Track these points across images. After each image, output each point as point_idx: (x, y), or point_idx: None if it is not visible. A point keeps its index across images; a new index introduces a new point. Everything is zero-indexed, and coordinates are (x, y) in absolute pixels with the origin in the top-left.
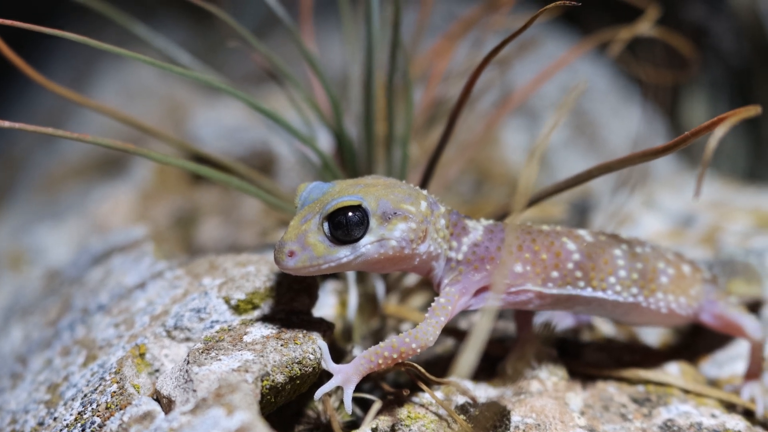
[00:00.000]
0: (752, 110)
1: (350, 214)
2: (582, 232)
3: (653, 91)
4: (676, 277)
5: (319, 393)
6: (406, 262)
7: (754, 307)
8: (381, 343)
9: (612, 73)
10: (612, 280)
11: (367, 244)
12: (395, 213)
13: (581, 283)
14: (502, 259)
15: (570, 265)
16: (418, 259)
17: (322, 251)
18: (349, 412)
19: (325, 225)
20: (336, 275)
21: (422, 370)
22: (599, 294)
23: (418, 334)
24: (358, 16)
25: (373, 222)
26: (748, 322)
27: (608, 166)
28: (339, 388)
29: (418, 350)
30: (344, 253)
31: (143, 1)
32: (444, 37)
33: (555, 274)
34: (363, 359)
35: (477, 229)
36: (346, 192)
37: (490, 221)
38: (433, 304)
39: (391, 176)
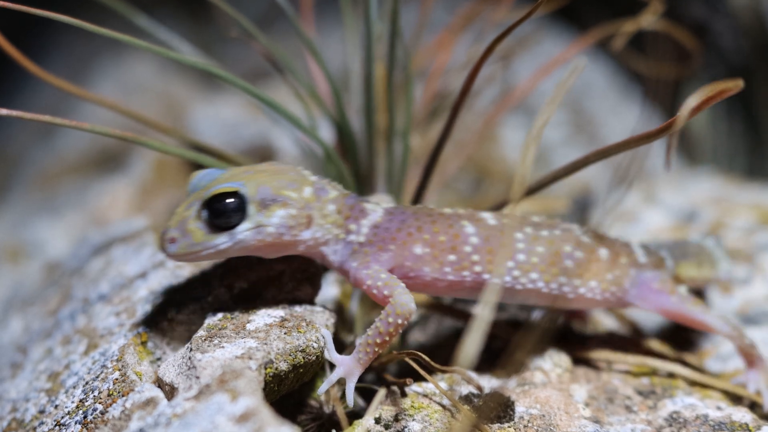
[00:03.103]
0: (732, 84)
1: (227, 200)
2: (487, 215)
3: (654, 87)
4: (584, 261)
5: (324, 388)
6: (289, 248)
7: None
8: (368, 332)
9: (611, 71)
10: (510, 264)
11: (244, 231)
12: (274, 199)
13: (478, 268)
14: (403, 240)
15: (467, 249)
16: (303, 246)
17: (201, 238)
18: (351, 405)
19: (204, 212)
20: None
21: (426, 358)
22: (496, 280)
23: (396, 308)
24: (358, 9)
25: (251, 209)
26: (711, 320)
27: (605, 152)
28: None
29: (405, 322)
30: (222, 240)
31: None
32: (445, 30)
33: (452, 257)
34: (361, 352)
35: (376, 211)
36: (230, 179)
37: (392, 204)
38: (378, 283)
39: (392, 168)
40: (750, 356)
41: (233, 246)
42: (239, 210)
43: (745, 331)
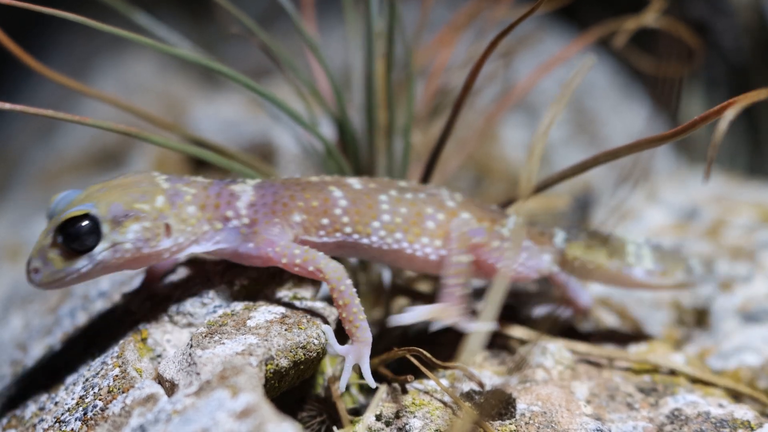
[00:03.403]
0: (763, 93)
1: (80, 224)
2: (352, 180)
3: (656, 86)
4: (446, 222)
5: (343, 383)
6: (153, 259)
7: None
8: (337, 311)
9: (612, 70)
10: (376, 224)
11: (102, 252)
12: (127, 215)
13: (348, 229)
14: (282, 211)
15: (337, 211)
16: (167, 253)
17: (61, 264)
18: (373, 385)
19: (59, 238)
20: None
21: (428, 354)
22: (365, 240)
23: (334, 278)
24: (360, 6)
25: (105, 228)
26: (449, 279)
27: (615, 153)
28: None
29: (349, 280)
30: (83, 263)
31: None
32: (446, 28)
33: (325, 221)
34: (353, 333)
35: (246, 190)
36: (84, 200)
37: (255, 180)
38: (296, 260)
39: (393, 165)
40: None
41: (95, 268)
42: (93, 232)
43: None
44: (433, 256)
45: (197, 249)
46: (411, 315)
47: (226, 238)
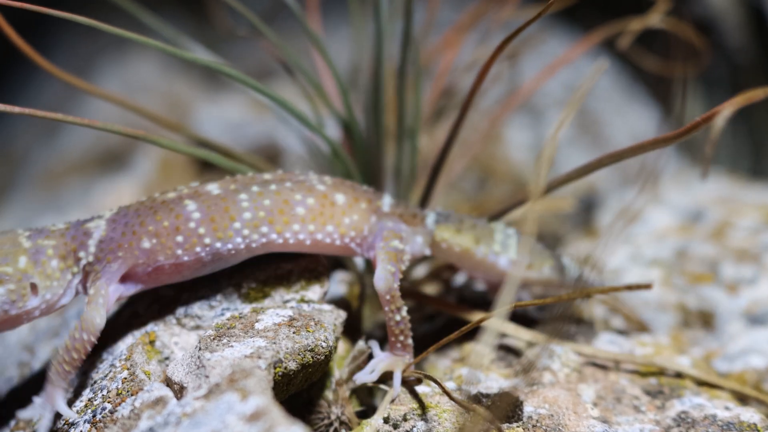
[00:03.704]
0: (760, 93)
1: None
2: (211, 186)
3: (660, 86)
4: (318, 206)
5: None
6: (24, 318)
7: None
8: (59, 349)
9: (616, 72)
10: (237, 225)
11: None
12: None
13: (207, 239)
14: (129, 241)
15: (192, 225)
16: (37, 311)
17: None
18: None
19: None
20: (345, 266)
21: (442, 384)
22: (229, 245)
23: (83, 323)
24: (365, 6)
25: None
26: (379, 269)
27: (619, 155)
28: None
29: (92, 338)
30: None
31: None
32: (452, 29)
33: (180, 238)
34: (52, 373)
35: (99, 226)
36: None
37: (115, 209)
38: (87, 298)
39: (400, 166)
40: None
41: None
42: None
43: (402, 306)
44: (308, 241)
45: (66, 300)
46: (371, 376)
47: (82, 280)
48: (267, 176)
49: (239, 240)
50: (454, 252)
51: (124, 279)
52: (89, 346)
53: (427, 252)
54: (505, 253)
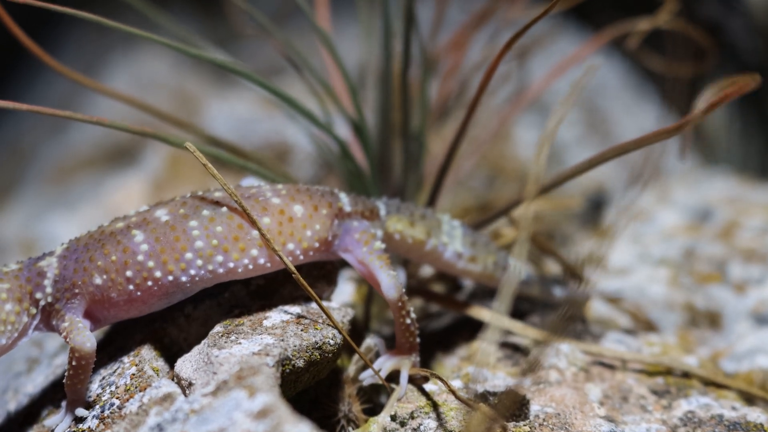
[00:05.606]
0: (749, 79)
1: None
2: (160, 212)
3: (669, 86)
4: (276, 225)
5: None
6: None
7: None
8: (64, 380)
9: (625, 71)
10: (189, 255)
11: None
12: None
13: (158, 273)
14: (83, 278)
15: (140, 258)
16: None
17: None
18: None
19: None
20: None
21: (447, 383)
22: (184, 278)
23: (74, 351)
24: (374, 5)
25: None
26: (384, 277)
27: (623, 148)
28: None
29: (90, 361)
30: None
31: None
32: (460, 28)
33: (129, 273)
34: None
35: (51, 264)
36: None
37: (65, 244)
38: (62, 333)
39: (408, 166)
40: (403, 338)
41: None
42: None
43: (410, 309)
44: (269, 263)
45: (25, 340)
46: (380, 374)
47: (42, 319)
48: (217, 195)
49: (193, 272)
50: (406, 243)
51: (87, 315)
52: (90, 368)
53: (383, 246)
54: (451, 244)
